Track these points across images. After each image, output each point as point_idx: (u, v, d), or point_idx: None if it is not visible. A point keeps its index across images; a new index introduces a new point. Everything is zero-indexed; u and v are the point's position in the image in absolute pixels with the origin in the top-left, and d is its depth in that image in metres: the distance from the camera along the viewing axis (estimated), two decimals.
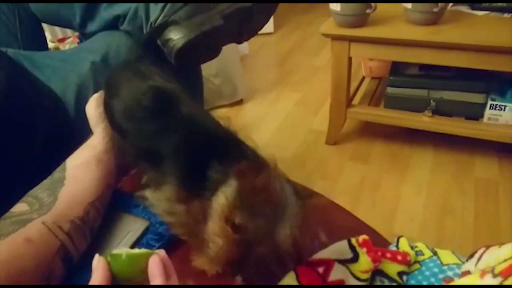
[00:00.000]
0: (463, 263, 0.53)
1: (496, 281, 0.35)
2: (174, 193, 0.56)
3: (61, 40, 2.07)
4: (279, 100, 2.30)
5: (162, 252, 0.44)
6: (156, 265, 0.41)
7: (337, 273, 0.53)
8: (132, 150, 0.64)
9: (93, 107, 0.70)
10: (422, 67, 1.69)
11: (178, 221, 0.58)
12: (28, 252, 0.51)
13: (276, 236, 0.48)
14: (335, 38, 1.59)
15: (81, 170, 0.63)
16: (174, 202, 0.56)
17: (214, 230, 0.50)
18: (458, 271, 0.52)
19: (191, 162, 0.55)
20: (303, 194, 0.51)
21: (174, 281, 0.42)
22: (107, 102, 0.67)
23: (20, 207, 0.57)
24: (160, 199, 0.57)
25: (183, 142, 0.56)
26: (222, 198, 0.49)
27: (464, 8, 1.61)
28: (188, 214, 0.56)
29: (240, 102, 2.26)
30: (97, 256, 0.43)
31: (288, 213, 0.48)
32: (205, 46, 0.88)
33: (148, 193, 0.59)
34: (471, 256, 0.51)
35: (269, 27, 3.02)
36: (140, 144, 0.61)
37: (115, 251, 0.43)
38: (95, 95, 0.72)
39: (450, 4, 1.58)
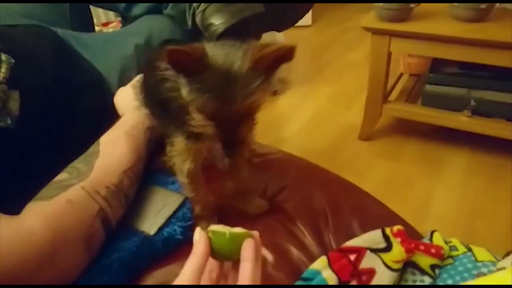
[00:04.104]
0: (498, 261, 0.53)
1: None
2: (183, 141, 0.61)
3: (105, 24, 2.13)
4: (313, 93, 2.28)
5: (256, 234, 0.46)
6: (249, 248, 0.43)
7: (368, 261, 0.54)
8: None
9: (127, 92, 0.78)
10: (463, 65, 1.63)
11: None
12: (70, 212, 0.56)
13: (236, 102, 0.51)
14: (376, 32, 1.56)
15: (113, 144, 0.69)
16: (188, 153, 0.62)
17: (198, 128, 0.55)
18: (493, 268, 0.51)
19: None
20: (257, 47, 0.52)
21: (259, 265, 0.43)
22: (146, 79, 0.73)
23: (61, 176, 0.63)
24: (180, 156, 0.63)
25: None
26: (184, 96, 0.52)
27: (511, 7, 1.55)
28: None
29: (273, 93, 2.26)
30: (198, 229, 0.45)
31: (240, 78, 0.51)
32: (246, 32, 0.89)
33: (175, 158, 0.64)
34: (507, 254, 0.50)
35: (307, 19, 2.99)
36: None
37: (216, 228, 0.45)
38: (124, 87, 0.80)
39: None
